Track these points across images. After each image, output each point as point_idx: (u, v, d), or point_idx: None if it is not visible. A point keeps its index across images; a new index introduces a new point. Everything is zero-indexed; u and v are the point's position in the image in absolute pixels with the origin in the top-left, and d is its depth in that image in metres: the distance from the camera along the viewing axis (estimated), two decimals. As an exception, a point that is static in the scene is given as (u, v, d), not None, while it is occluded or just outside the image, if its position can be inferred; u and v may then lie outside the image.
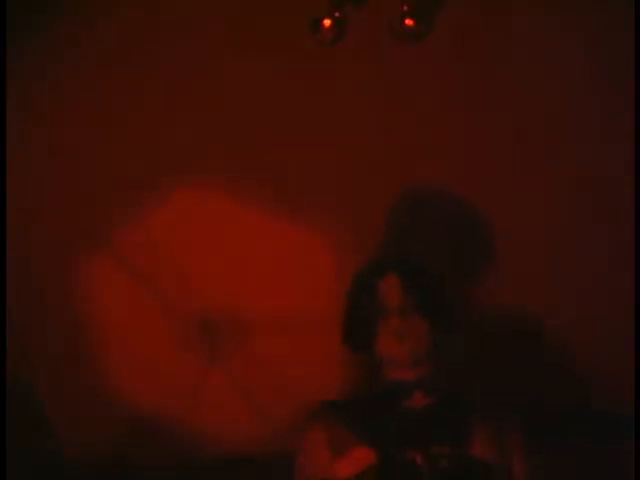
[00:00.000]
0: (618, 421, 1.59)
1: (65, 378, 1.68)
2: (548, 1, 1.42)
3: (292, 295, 1.62)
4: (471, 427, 1.30)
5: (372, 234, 1.56)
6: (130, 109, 1.44)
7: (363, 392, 1.44)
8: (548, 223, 1.58)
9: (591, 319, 1.62)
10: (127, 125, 1.45)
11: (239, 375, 1.67)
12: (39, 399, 1.67)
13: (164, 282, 1.62)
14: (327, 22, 1.32)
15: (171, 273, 1.60)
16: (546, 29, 1.42)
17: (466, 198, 1.59)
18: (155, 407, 1.70)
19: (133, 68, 1.41)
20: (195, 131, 1.47)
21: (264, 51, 1.41)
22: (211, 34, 1.40)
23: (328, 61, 1.42)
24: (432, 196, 1.61)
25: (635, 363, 1.50)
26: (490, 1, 1.41)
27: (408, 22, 1.32)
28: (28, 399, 1.65)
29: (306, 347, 1.61)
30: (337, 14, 1.34)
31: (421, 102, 1.48)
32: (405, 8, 1.32)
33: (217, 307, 1.62)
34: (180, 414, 1.72)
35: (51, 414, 1.69)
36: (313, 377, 1.59)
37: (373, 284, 1.36)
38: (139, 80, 1.42)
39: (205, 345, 1.66)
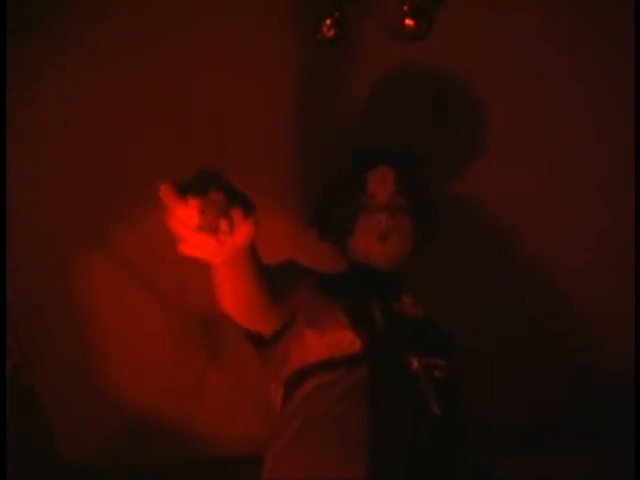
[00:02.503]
0: (618, 422, 1.60)
1: (65, 378, 1.68)
2: (549, 1, 1.43)
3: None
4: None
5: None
6: (130, 109, 1.44)
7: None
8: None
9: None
10: (127, 125, 1.45)
11: (239, 375, 1.67)
12: (39, 399, 1.67)
13: (164, 282, 1.62)
14: (327, 22, 1.33)
15: (171, 273, 1.60)
16: (546, 29, 1.43)
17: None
18: (155, 407, 1.70)
19: (133, 68, 1.41)
20: (195, 131, 1.47)
21: (264, 51, 1.42)
22: (210, 34, 1.40)
23: (328, 61, 1.43)
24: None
25: (635, 362, 1.50)
26: (490, 1, 1.41)
27: (408, 22, 1.32)
28: (28, 399, 1.65)
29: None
30: (337, 14, 1.34)
31: (420, 101, 1.49)
32: (405, 8, 1.31)
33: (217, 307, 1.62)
34: (180, 414, 1.72)
35: (51, 414, 1.69)
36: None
37: (361, 175, 1.19)
38: (139, 80, 1.42)
39: (205, 345, 1.66)
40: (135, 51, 1.40)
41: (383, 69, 1.45)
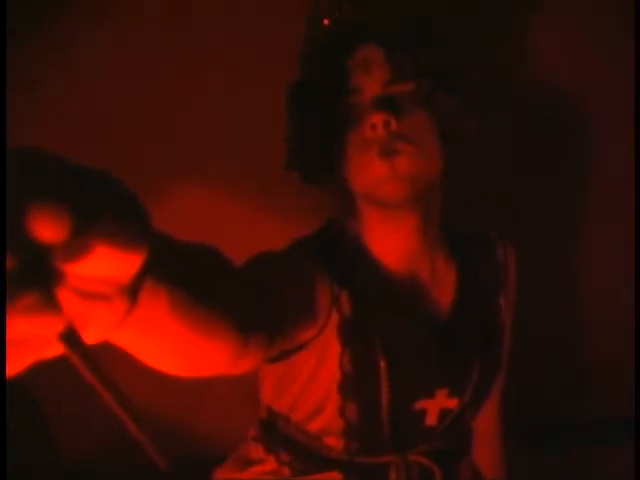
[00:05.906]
0: (618, 422, 1.60)
1: (65, 379, 1.67)
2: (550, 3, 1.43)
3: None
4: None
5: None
6: (131, 110, 1.44)
7: None
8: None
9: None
10: (128, 125, 1.45)
11: (240, 375, 1.66)
12: (39, 399, 1.67)
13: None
14: (326, 22, 1.33)
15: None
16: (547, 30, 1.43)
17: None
18: (155, 407, 1.70)
19: (133, 68, 1.41)
20: (195, 131, 1.47)
21: (263, 51, 1.42)
22: (210, 34, 1.40)
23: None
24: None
25: (635, 363, 1.50)
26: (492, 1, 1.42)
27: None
28: (28, 399, 1.65)
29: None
30: (337, 14, 1.33)
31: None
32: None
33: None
34: (180, 414, 1.72)
35: (51, 414, 1.69)
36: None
37: (336, 65, 0.81)
38: (140, 81, 1.42)
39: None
40: (135, 51, 1.40)
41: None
